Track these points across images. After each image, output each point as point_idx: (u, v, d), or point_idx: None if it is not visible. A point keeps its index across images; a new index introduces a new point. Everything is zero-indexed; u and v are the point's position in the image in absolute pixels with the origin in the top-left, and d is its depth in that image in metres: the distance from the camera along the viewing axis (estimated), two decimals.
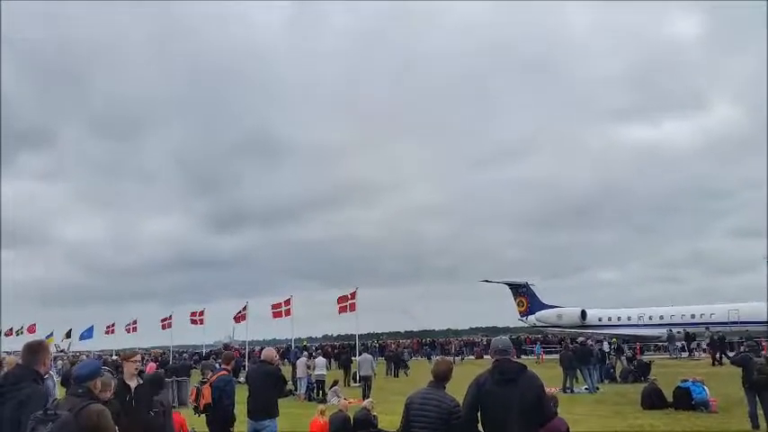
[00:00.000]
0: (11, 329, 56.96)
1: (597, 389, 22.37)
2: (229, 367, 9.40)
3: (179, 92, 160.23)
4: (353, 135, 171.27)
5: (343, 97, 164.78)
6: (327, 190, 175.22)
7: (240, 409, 9.00)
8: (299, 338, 63.80)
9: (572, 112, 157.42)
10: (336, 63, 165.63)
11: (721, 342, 33.54)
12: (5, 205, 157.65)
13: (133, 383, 6.65)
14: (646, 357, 33.91)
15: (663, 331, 42.42)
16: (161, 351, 55.47)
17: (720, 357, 31.49)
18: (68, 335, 54.78)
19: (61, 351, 56.12)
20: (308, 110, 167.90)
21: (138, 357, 7.11)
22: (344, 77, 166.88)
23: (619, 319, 48.46)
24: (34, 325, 52.01)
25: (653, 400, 16.53)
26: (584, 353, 23.63)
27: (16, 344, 53.19)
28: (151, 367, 27.86)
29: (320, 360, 25.14)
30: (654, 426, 13.83)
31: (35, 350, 4.90)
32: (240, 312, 34.15)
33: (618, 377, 26.05)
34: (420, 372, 31.95)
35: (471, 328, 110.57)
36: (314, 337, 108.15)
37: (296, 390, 23.69)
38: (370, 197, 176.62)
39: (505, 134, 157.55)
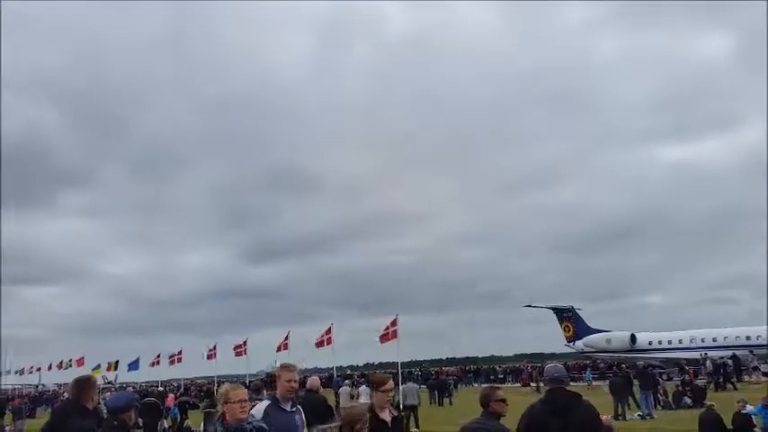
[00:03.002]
0: (60, 362, 58.40)
1: (650, 415, 21.59)
2: (261, 396, 9.32)
3: (210, 128, 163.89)
4: (383, 165, 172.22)
5: (370, 128, 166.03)
6: (361, 220, 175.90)
7: None
8: (341, 366, 63.62)
9: (605, 136, 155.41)
10: (362, 94, 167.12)
11: (724, 367, 32.48)
12: (50, 242, 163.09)
13: (387, 416, 5.26)
14: (700, 382, 32.67)
15: (718, 353, 40.78)
16: (206, 381, 55.93)
17: (725, 383, 30.60)
18: (115, 366, 55.70)
19: (109, 383, 57.13)
20: (336, 141, 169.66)
21: (392, 384, 5.58)
22: (371, 108, 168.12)
23: (670, 342, 46.79)
24: (82, 358, 53.11)
25: (711, 427, 15.77)
26: (645, 378, 22.97)
27: (66, 377, 54.54)
28: (170, 399, 27.99)
29: (364, 389, 24.82)
30: None
31: (83, 386, 4.96)
32: (283, 342, 34.31)
33: (672, 403, 25.13)
34: (464, 400, 31.37)
35: (516, 355, 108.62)
36: (355, 365, 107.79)
37: (340, 419, 23.43)
38: (404, 226, 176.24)
39: (537, 160, 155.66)
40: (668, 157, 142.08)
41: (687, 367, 38.39)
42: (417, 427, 20.70)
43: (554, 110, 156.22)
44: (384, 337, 27.01)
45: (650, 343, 47.90)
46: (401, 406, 24.19)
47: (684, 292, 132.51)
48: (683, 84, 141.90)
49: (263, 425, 4.49)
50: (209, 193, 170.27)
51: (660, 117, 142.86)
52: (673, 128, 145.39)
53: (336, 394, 25.34)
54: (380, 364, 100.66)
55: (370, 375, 5.83)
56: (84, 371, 44.23)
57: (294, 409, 5.31)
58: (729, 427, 15.59)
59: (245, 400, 4.35)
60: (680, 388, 26.84)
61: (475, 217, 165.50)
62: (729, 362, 35.95)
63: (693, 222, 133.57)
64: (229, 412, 4.26)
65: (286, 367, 5.46)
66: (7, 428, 25.50)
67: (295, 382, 5.33)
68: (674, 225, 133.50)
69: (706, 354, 40.11)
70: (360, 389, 24.79)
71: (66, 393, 43.74)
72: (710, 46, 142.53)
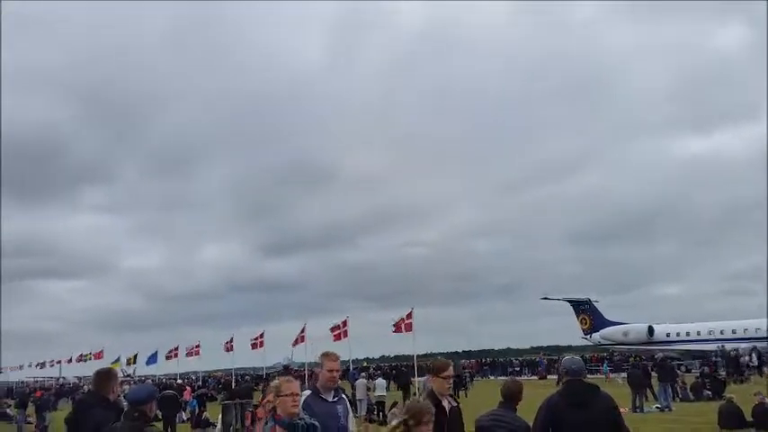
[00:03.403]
0: (81, 355, 59.22)
1: (669, 408, 21.48)
2: None
3: (226, 123, 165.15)
4: (399, 158, 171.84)
5: (386, 122, 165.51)
6: (378, 213, 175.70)
7: None
8: (358, 359, 63.87)
9: (622, 128, 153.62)
10: (377, 88, 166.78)
11: (735, 359, 32.22)
12: (71, 237, 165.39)
13: (447, 405, 5.00)
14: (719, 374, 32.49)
15: (737, 345, 40.43)
16: (224, 374, 56.44)
17: (733, 374, 30.80)
18: (134, 360, 56.32)
19: (128, 376, 57.75)
20: (349, 136, 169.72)
21: (452, 371, 5.22)
22: (386, 101, 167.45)
23: (688, 334, 46.48)
24: (102, 351, 53.78)
25: (731, 419, 15.65)
26: (665, 370, 22.97)
27: (86, 369, 55.33)
28: (188, 392, 28.23)
29: (380, 381, 24.97)
30: None
31: (104, 378, 5.13)
32: (299, 335, 34.42)
33: (691, 394, 24.99)
34: (480, 392, 31.39)
35: (532, 348, 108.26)
36: (371, 357, 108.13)
37: (356, 411, 23.54)
38: (420, 219, 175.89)
39: (553, 152, 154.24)
40: (685, 149, 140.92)
41: (714, 359, 38.10)
42: None
43: (569, 102, 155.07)
44: (397, 327, 27.00)
45: (668, 335, 47.60)
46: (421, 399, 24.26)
47: (702, 284, 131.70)
48: (699, 75, 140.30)
49: (315, 423, 4.25)
50: (226, 187, 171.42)
51: (677, 108, 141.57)
52: (689, 119, 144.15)
53: (353, 386, 25.46)
54: (396, 356, 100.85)
55: (430, 361, 5.45)
56: (104, 364, 44.78)
57: (336, 399, 4.97)
58: (749, 419, 15.48)
59: (297, 394, 4.19)
60: (699, 380, 26.69)
61: (491, 209, 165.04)
62: (740, 353, 35.74)
63: (711, 213, 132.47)
64: (281, 406, 4.14)
65: (327, 355, 5.05)
66: (29, 419, 25.85)
67: (337, 371, 5.02)
68: (692, 216, 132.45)
69: (723, 345, 39.83)
70: (376, 381, 24.91)
71: (86, 386, 44.27)
72: (727, 37, 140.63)
